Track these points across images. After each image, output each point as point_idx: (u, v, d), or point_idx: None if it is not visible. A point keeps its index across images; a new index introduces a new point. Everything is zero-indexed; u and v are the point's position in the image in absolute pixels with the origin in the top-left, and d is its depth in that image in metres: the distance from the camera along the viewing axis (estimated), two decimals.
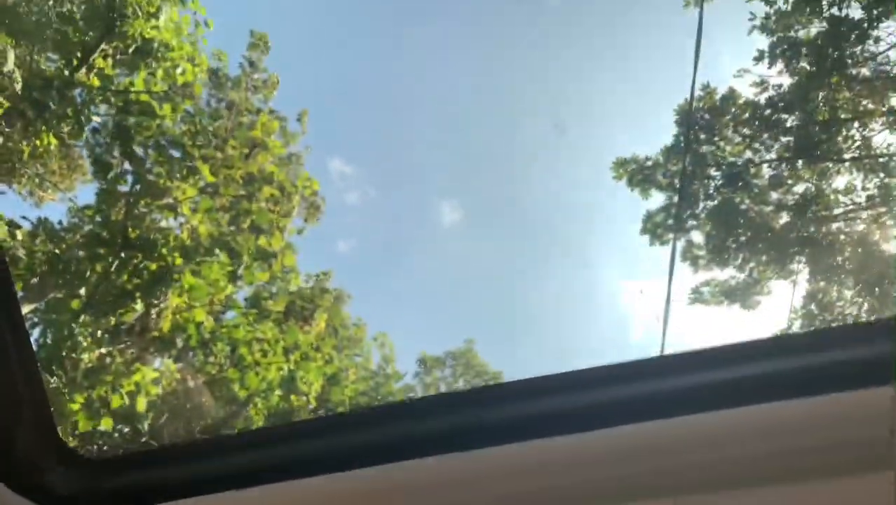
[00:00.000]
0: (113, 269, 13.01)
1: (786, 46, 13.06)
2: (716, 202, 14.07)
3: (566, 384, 1.23)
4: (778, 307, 16.47)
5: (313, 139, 24.25)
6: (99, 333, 12.32)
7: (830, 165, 13.51)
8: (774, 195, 13.99)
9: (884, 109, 12.91)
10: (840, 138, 13.16)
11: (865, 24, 12.94)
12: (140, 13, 12.23)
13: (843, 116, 12.98)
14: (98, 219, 13.55)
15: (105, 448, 11.91)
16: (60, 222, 14.01)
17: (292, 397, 14.61)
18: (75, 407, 10.73)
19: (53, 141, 13.19)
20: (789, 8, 13.21)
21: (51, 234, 14.54)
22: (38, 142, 13.09)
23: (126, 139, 12.72)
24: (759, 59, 13.40)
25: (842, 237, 14.23)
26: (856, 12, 13.10)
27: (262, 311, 15.91)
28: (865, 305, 14.76)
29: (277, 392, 15.14)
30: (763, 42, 13.68)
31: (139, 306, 13.03)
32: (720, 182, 13.91)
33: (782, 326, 15.34)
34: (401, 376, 21.35)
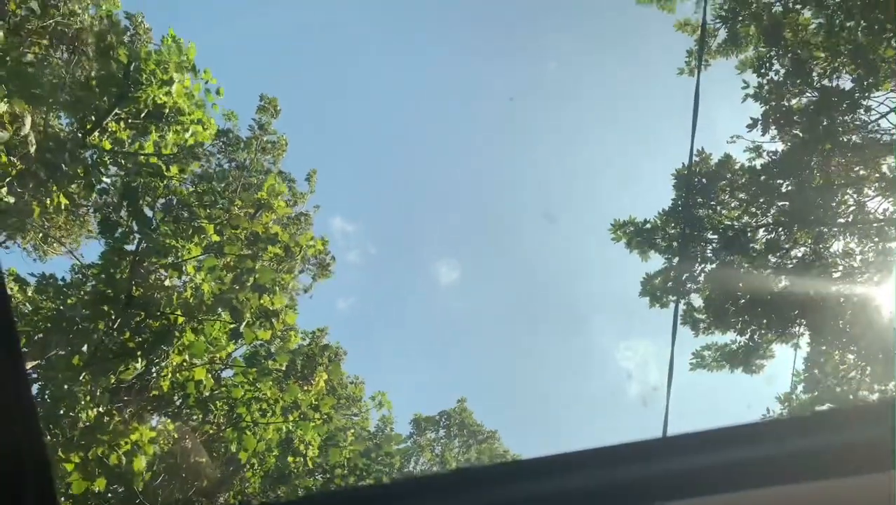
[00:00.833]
0: (115, 326, 13.11)
1: (778, 115, 13.40)
2: (714, 265, 14.16)
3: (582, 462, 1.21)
4: (781, 372, 16.33)
5: (318, 198, 24.70)
6: (98, 391, 12.32)
7: (825, 230, 13.65)
8: (772, 258, 14.08)
9: (877, 175, 13.12)
10: (834, 203, 13.34)
11: (856, 94, 13.28)
12: (154, 80, 12.72)
13: (836, 182, 13.19)
14: (102, 276, 13.73)
15: None
16: (64, 279, 14.21)
17: (289, 458, 14.45)
18: (70, 467, 10.65)
19: (64, 200, 13.50)
20: (781, 78, 13.60)
21: (57, 291, 14.76)
22: (48, 201, 13.41)
23: (134, 199, 13.01)
24: (752, 126, 13.73)
25: (842, 300, 14.23)
26: (846, 83, 13.48)
27: (262, 368, 15.90)
28: (868, 369, 14.64)
29: (275, 452, 14.99)
30: (756, 110, 14.05)
31: (140, 364, 13.06)
32: (717, 245, 14.04)
33: (785, 391, 15.21)
34: (402, 439, 21.06)
